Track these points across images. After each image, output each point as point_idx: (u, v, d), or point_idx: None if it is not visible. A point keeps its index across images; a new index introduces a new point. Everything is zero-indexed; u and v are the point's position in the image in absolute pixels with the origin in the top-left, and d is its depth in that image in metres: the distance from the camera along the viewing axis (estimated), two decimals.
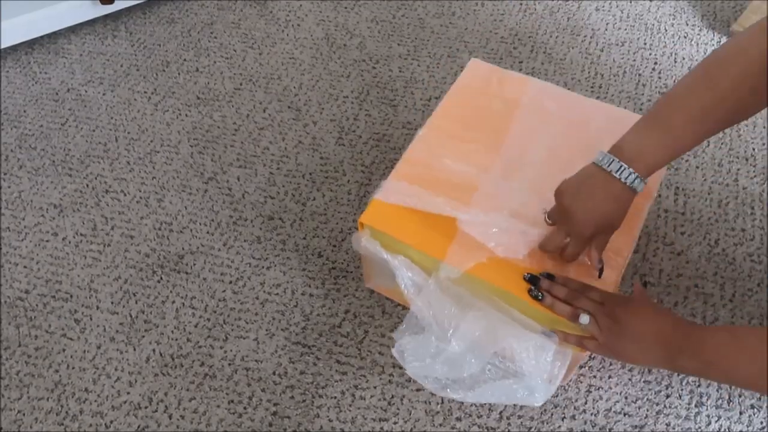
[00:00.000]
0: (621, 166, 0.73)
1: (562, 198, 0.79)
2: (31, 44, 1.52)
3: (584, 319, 0.79)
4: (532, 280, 0.83)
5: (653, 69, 1.40)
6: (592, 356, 1.01)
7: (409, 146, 0.97)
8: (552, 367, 0.82)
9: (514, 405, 0.98)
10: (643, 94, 1.35)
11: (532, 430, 0.96)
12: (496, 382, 0.85)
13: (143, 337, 1.07)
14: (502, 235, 0.87)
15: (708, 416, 0.96)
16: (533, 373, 0.82)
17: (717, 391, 0.98)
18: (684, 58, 1.42)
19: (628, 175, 0.73)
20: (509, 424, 0.96)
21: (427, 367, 0.86)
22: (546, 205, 0.87)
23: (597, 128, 0.97)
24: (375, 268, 1.02)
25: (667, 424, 0.95)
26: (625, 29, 1.48)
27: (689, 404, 0.97)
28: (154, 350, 1.05)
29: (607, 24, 1.49)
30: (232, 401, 1.00)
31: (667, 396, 0.98)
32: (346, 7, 1.57)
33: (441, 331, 0.86)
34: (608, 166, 0.74)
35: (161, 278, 1.13)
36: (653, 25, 1.49)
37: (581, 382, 0.99)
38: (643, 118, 0.75)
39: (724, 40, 1.45)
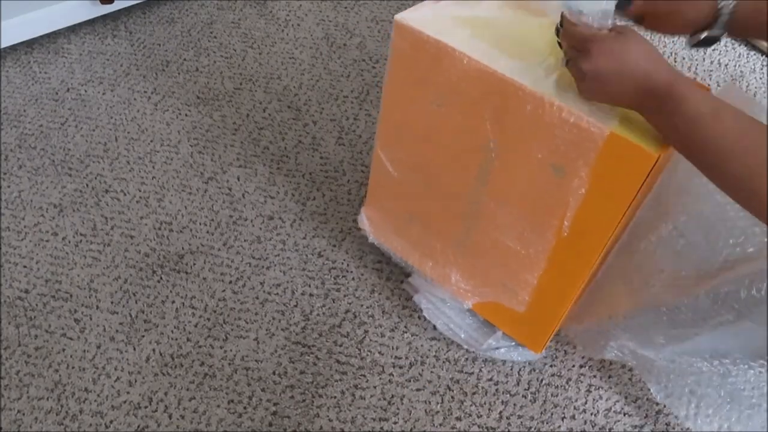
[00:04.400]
0: None
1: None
2: (30, 44, 1.51)
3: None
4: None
5: None
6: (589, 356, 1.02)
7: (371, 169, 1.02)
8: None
9: (514, 405, 0.98)
10: None
11: (532, 429, 0.96)
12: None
13: (143, 336, 1.07)
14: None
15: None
16: None
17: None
18: (684, 58, 1.42)
19: None
20: (509, 424, 0.96)
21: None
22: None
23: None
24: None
25: (667, 424, 0.95)
26: None
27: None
28: (154, 350, 1.05)
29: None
30: (232, 401, 1.00)
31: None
32: (346, 7, 1.57)
33: None
34: None
35: (161, 278, 1.13)
36: None
37: (581, 382, 0.99)
38: None
39: (723, 39, 1.45)
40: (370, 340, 1.05)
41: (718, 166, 0.65)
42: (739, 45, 1.43)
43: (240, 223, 1.20)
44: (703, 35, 0.81)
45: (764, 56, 1.41)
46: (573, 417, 0.97)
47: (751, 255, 0.75)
